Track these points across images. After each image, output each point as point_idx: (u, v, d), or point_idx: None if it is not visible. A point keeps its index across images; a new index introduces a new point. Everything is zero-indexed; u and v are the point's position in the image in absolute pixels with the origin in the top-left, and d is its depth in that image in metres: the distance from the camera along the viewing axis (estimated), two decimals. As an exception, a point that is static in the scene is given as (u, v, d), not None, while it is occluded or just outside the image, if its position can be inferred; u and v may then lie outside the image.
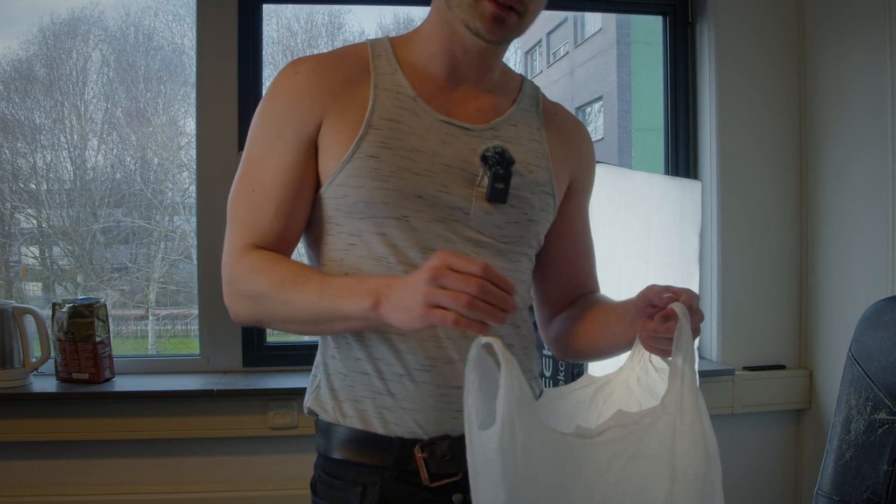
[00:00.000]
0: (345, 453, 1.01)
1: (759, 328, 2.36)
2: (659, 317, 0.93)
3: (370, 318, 0.89)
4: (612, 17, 3.16)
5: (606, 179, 1.55)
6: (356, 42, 1.14)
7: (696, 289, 2.04)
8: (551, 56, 3.35)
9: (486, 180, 1.03)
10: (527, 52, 3.20)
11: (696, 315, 0.94)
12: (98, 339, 2.09)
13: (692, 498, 0.87)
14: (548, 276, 1.19)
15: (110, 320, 2.16)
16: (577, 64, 3.35)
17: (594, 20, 3.30)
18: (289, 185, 1.02)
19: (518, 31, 1.05)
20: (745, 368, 2.33)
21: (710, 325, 2.36)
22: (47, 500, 2.07)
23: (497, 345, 0.82)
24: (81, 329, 2.08)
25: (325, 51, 1.13)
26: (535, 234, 1.10)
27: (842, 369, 1.31)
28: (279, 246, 1.02)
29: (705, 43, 2.38)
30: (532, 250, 1.13)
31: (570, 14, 3.31)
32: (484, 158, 1.04)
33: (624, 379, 1.00)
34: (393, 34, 1.16)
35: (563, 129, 1.17)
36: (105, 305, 2.14)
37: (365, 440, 0.99)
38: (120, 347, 2.44)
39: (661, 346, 0.95)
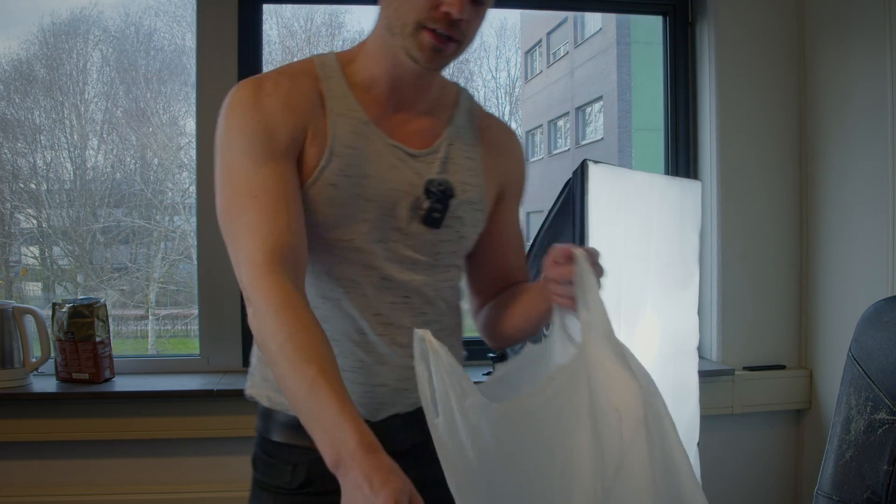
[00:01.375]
0: (281, 436, 1.13)
1: (759, 328, 2.36)
2: (562, 258, 1.01)
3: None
4: (612, 17, 3.16)
5: (606, 179, 1.55)
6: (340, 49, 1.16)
7: (696, 289, 2.04)
8: (551, 56, 3.35)
9: (426, 203, 1.10)
10: (527, 52, 3.20)
11: (594, 268, 1.00)
12: (98, 339, 2.09)
13: (641, 437, 0.89)
14: (479, 271, 1.25)
15: (110, 320, 2.16)
16: (577, 64, 3.35)
17: (594, 20, 3.30)
18: (290, 186, 1.03)
19: (456, 57, 1.09)
20: (745, 368, 2.33)
21: (711, 325, 2.36)
22: (47, 500, 2.07)
23: (427, 335, 0.88)
24: (81, 329, 2.08)
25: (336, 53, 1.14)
26: (464, 247, 1.17)
27: (842, 369, 1.31)
28: (296, 241, 1.01)
29: (705, 43, 2.38)
30: (461, 260, 1.20)
31: (570, 14, 3.31)
32: (428, 192, 1.10)
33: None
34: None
35: (495, 141, 1.22)
36: (105, 305, 2.14)
37: (298, 426, 0.95)
38: (120, 347, 2.44)
39: (567, 292, 1.01)
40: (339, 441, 0.85)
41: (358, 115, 1.09)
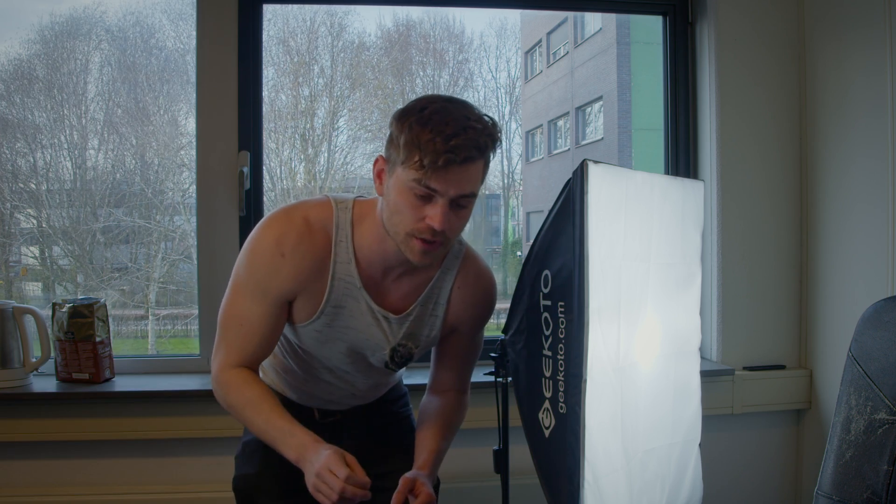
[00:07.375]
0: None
1: (759, 328, 2.36)
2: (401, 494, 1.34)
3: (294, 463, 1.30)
4: (612, 17, 3.16)
5: (607, 179, 1.55)
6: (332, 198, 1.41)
7: (698, 290, 2.03)
8: (551, 56, 3.35)
9: (389, 362, 1.46)
10: (527, 52, 3.20)
11: None
12: (98, 339, 2.09)
13: None
14: (437, 360, 1.57)
15: (110, 320, 2.16)
16: (577, 64, 3.34)
17: (594, 20, 3.29)
18: (271, 327, 1.38)
19: (446, 248, 1.33)
20: (745, 368, 2.33)
21: (711, 325, 2.36)
22: (47, 500, 2.07)
23: None
24: (81, 329, 2.08)
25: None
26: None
27: (842, 369, 1.31)
28: (255, 362, 1.41)
29: (705, 43, 2.38)
30: None
31: (570, 14, 3.31)
32: (394, 352, 1.44)
33: None
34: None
35: (466, 298, 1.46)
36: (105, 305, 2.14)
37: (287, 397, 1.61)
38: (120, 347, 2.44)
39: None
40: (297, 443, 1.29)
41: (353, 280, 1.37)
